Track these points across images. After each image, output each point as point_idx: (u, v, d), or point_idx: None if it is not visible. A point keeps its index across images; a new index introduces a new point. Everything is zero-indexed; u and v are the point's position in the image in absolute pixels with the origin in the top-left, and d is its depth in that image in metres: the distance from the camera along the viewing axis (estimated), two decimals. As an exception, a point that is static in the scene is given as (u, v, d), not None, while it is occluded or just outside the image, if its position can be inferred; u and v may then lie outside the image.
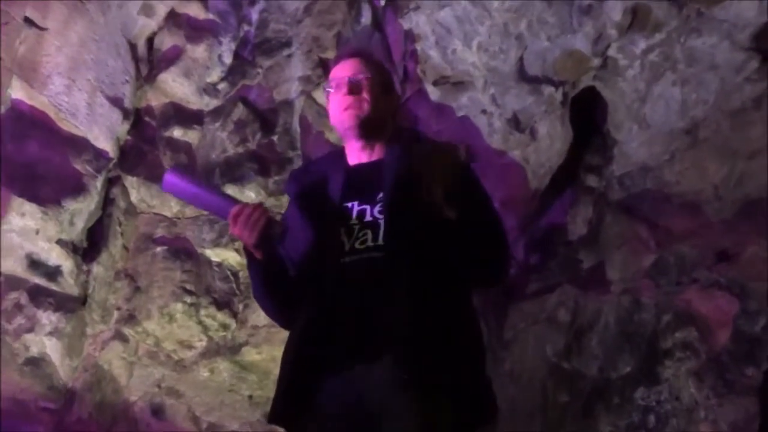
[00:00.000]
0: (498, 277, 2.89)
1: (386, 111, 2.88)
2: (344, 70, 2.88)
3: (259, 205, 2.67)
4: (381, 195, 2.70)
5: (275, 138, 4.88)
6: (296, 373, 2.60)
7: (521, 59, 4.07)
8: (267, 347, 4.54)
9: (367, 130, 2.82)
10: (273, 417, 2.67)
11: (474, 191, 2.75)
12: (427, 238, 2.61)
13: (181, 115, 5.17)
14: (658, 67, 3.76)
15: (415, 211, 2.62)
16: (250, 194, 4.73)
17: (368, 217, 2.68)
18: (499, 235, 2.77)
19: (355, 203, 2.72)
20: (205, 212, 4.74)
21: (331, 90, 2.89)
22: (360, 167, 2.83)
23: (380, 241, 2.63)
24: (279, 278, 2.75)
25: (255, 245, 2.65)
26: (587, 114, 4.05)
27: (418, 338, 2.48)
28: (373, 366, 2.48)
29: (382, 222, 2.65)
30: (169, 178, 2.75)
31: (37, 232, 4.78)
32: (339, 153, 2.95)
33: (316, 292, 2.63)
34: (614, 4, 3.80)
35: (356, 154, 2.86)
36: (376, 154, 2.84)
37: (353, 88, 2.82)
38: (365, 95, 2.82)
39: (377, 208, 2.68)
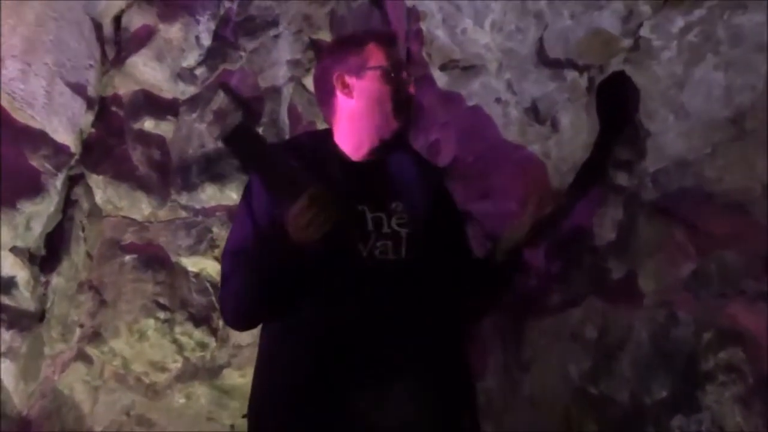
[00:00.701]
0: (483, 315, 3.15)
1: None
2: (395, 61, 2.99)
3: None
4: (396, 205, 2.77)
5: (260, 130, 4.87)
6: (298, 391, 2.62)
7: (541, 40, 4.06)
8: (251, 369, 4.48)
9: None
10: None
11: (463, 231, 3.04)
12: (443, 258, 2.75)
13: (153, 104, 5.16)
14: (698, 49, 3.74)
15: (433, 229, 2.77)
16: (231, 194, 4.73)
17: (386, 228, 2.75)
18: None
19: (366, 208, 2.75)
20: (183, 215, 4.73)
21: (378, 74, 2.93)
22: (361, 166, 2.86)
23: (403, 255, 2.72)
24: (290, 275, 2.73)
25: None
26: (616, 102, 4.03)
27: (441, 359, 2.56)
28: (394, 391, 2.52)
29: (404, 235, 2.72)
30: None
31: (-12, 239, 4.77)
32: (323, 139, 2.97)
33: (325, 297, 2.64)
34: (647, -24, 3.79)
35: (360, 150, 2.90)
36: (376, 154, 2.87)
37: (406, 91, 2.95)
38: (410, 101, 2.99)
39: (395, 220, 2.74)
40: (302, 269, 2.68)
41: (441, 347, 2.63)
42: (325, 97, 3.01)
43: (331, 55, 3.08)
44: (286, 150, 3.04)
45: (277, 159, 2.78)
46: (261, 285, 2.76)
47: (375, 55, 2.93)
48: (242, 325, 3.05)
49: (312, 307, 2.67)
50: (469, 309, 2.83)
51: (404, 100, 2.89)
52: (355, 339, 2.59)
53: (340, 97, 2.95)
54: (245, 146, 2.76)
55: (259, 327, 3.00)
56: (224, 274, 2.89)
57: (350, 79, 2.93)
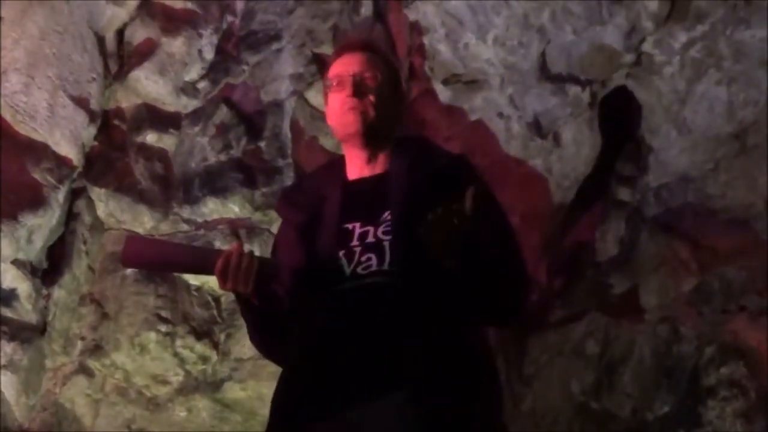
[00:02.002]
0: (508, 319, 2.92)
1: (394, 116, 2.86)
2: (349, 66, 2.84)
3: (240, 249, 2.65)
4: (386, 214, 2.68)
5: (263, 144, 4.86)
6: (289, 420, 2.57)
7: (543, 55, 4.06)
8: (253, 383, 4.52)
9: (373, 137, 2.79)
10: None
11: (490, 218, 2.70)
12: (437, 264, 2.57)
13: (156, 117, 5.16)
14: (701, 64, 3.75)
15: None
16: (233, 207, 4.72)
17: (371, 239, 2.65)
18: (513, 271, 2.74)
19: (357, 224, 2.70)
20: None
21: (332, 87, 2.85)
22: (361, 182, 2.81)
23: (386, 265, 2.60)
24: (278, 318, 2.74)
25: (252, 293, 2.64)
26: (619, 117, 4.03)
27: (431, 376, 2.46)
28: (378, 407, 2.45)
29: (387, 244, 2.63)
30: (130, 248, 2.76)
31: (-10, 252, 4.76)
32: (336, 164, 2.93)
33: (310, 324, 2.60)
34: (650, -8, 3.79)
35: (357, 165, 2.83)
36: (379, 166, 2.82)
37: (358, 90, 2.77)
38: (372, 98, 2.78)
39: (381, 229, 2.66)
40: (292, 303, 2.69)
41: (435, 365, 2.52)
42: None
43: None
44: (299, 186, 3.06)
45: (179, 247, 2.90)
46: (262, 334, 2.86)
47: (331, 70, 2.88)
48: (275, 361, 3.02)
49: (298, 333, 2.65)
50: (478, 310, 2.70)
51: (362, 92, 2.76)
52: (333, 365, 2.53)
53: None
54: (145, 254, 2.79)
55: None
56: None
57: (325, 104, 2.92)
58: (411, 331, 2.50)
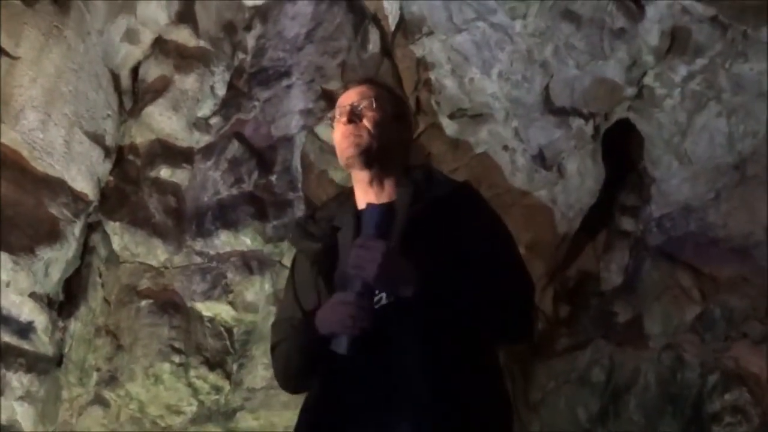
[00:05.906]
0: (522, 336, 2.89)
1: (393, 141, 2.85)
2: (347, 98, 2.90)
3: None
4: (395, 246, 2.66)
5: (273, 178, 4.86)
6: None
7: (547, 89, 4.07)
8: (264, 412, 4.50)
9: (369, 160, 2.80)
10: None
11: (494, 239, 2.75)
12: (444, 292, 2.59)
13: (169, 152, 5.17)
14: (701, 97, 3.75)
15: (429, 264, 2.60)
16: (245, 240, 4.71)
17: None
18: (523, 288, 2.77)
19: None
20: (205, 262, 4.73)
21: (334, 119, 2.91)
22: (370, 211, 2.80)
23: (393, 298, 2.62)
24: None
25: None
26: (621, 149, 4.04)
27: (442, 404, 2.50)
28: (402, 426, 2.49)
29: None
30: None
31: (8, 285, 4.76)
32: (346, 195, 2.95)
33: (330, 358, 2.61)
34: (650, 27, 3.80)
35: (364, 191, 2.85)
36: (387, 193, 2.83)
37: (352, 116, 2.82)
38: (366, 123, 2.81)
39: None
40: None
41: (446, 393, 2.54)
42: None
43: None
44: (313, 216, 3.01)
45: None
46: (297, 359, 2.80)
47: (337, 104, 2.95)
48: (290, 390, 3.01)
49: (325, 365, 2.66)
50: (492, 329, 2.70)
51: (355, 118, 2.81)
52: (349, 395, 2.55)
53: None
54: None
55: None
56: (271, 344, 2.92)
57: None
58: (419, 361, 2.53)
